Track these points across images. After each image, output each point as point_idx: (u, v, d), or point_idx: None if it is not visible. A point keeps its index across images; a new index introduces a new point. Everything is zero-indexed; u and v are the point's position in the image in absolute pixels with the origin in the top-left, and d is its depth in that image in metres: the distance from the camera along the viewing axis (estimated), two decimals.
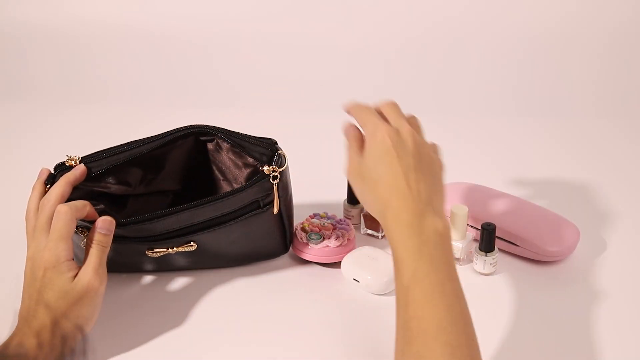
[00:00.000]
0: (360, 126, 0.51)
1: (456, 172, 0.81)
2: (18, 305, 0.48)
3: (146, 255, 0.55)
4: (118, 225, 0.51)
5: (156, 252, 0.55)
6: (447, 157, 0.85)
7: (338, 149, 0.89)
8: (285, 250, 0.62)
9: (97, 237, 0.49)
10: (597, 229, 0.68)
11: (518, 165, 0.84)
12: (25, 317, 0.46)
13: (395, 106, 0.52)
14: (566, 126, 0.97)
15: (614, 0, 1.08)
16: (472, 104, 1.04)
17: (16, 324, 0.47)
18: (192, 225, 0.54)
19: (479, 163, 0.85)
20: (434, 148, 0.52)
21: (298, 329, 0.54)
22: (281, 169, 0.54)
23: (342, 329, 0.54)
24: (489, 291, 0.58)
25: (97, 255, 0.48)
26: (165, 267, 0.59)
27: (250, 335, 0.53)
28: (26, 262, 0.47)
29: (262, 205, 0.55)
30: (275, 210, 0.55)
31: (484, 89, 1.06)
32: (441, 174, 0.50)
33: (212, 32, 1.14)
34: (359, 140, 0.51)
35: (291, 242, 0.62)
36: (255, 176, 0.54)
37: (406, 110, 0.50)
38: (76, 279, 0.47)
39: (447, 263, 0.43)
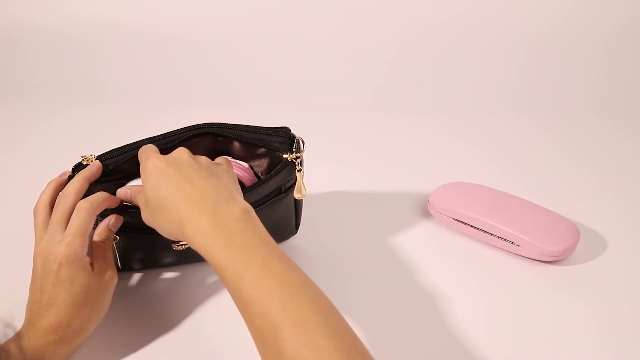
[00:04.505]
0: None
1: (456, 172, 0.81)
2: (14, 303, 0.48)
3: (171, 249, 0.56)
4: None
5: (181, 245, 0.55)
6: (448, 157, 0.86)
7: (338, 147, 0.89)
8: (294, 232, 0.64)
9: (108, 232, 0.50)
10: (598, 229, 0.68)
11: (518, 165, 0.85)
12: (37, 312, 0.46)
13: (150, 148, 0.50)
14: (566, 126, 0.97)
15: (614, 0, 1.08)
16: (472, 104, 1.04)
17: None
18: None
19: (479, 163, 0.85)
20: (205, 158, 0.50)
21: None
22: (302, 153, 0.56)
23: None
24: (489, 290, 0.58)
25: (109, 249, 0.50)
26: (183, 260, 0.60)
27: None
28: (35, 256, 0.47)
29: (282, 190, 0.58)
30: (305, 193, 0.58)
31: (484, 89, 1.06)
32: (226, 175, 0.48)
33: (212, 32, 1.14)
34: (139, 188, 0.49)
35: (299, 224, 0.64)
36: (278, 165, 0.56)
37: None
38: (96, 272, 0.47)
39: (260, 245, 0.40)
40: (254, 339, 0.39)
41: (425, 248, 0.65)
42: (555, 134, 0.94)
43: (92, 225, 0.47)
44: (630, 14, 1.07)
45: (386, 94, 1.08)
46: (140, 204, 0.48)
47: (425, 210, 0.72)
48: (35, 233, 0.49)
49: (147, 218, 0.47)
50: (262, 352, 0.38)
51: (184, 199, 0.43)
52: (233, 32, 1.13)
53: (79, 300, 0.45)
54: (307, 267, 0.62)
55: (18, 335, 0.45)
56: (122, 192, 0.51)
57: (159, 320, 0.55)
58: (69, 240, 0.45)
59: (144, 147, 0.51)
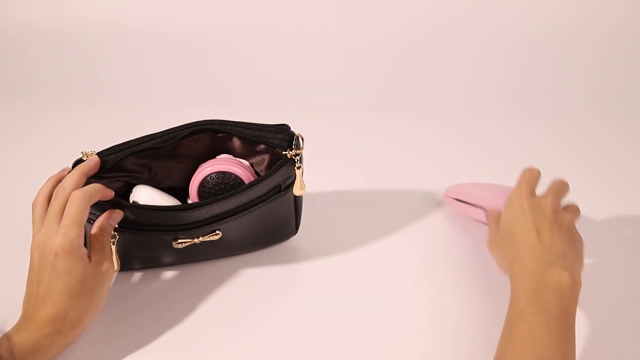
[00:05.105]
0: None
1: (456, 172, 0.81)
2: (13, 303, 0.48)
3: (171, 247, 0.56)
4: (152, 209, 0.52)
5: (181, 243, 0.55)
6: (448, 157, 0.86)
7: (338, 147, 0.89)
8: (294, 232, 0.64)
9: (107, 226, 0.50)
10: (598, 229, 0.68)
11: (518, 165, 0.84)
12: (33, 304, 0.45)
13: (559, 188, 0.54)
14: (566, 126, 0.97)
15: (614, 0, 1.08)
16: (472, 104, 1.04)
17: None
18: (221, 214, 0.55)
19: (479, 163, 0.85)
20: (577, 233, 0.53)
21: (303, 325, 0.54)
22: (302, 150, 0.57)
23: (348, 326, 0.54)
24: (488, 284, 0.59)
25: (108, 242, 0.50)
26: (183, 259, 0.60)
27: (251, 332, 0.53)
28: (32, 249, 0.47)
29: (282, 188, 0.58)
30: (305, 190, 0.58)
31: (484, 89, 1.06)
32: (581, 247, 0.51)
33: (212, 32, 1.14)
34: (498, 216, 0.55)
35: (299, 224, 0.64)
36: (277, 162, 0.56)
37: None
38: (93, 263, 0.47)
39: (562, 312, 0.43)
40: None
41: (425, 248, 0.65)
42: (555, 134, 0.94)
43: (86, 215, 0.47)
44: (630, 14, 1.07)
45: (386, 94, 1.08)
46: (491, 228, 0.55)
47: (424, 210, 0.72)
48: (32, 227, 0.49)
49: (491, 241, 0.54)
50: None
51: (527, 243, 0.48)
52: (233, 32, 1.13)
53: (75, 291, 0.45)
54: (308, 267, 0.62)
55: (14, 329, 0.45)
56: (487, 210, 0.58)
57: (159, 319, 0.55)
58: (64, 231, 0.45)
59: (526, 175, 0.55)
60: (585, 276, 0.60)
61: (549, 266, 0.46)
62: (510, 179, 0.79)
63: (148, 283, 0.60)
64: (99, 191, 0.49)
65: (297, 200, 0.62)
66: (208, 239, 0.56)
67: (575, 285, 0.45)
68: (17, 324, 0.46)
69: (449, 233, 0.68)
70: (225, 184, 0.57)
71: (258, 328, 0.54)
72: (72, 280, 0.45)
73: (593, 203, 0.74)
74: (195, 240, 0.56)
